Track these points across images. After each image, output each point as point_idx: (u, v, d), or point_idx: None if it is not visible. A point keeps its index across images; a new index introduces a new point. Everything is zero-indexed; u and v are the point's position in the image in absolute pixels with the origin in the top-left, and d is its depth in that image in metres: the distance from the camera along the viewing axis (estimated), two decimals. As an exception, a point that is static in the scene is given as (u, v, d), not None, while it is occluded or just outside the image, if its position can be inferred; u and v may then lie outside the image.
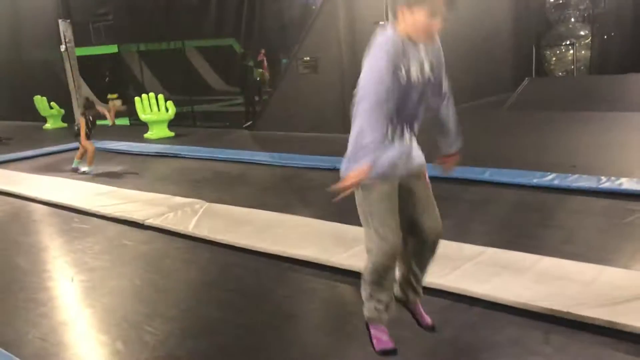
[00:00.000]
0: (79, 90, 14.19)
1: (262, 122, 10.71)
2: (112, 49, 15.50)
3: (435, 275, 3.20)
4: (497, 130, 8.83)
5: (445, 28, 2.24)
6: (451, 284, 3.28)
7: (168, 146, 9.48)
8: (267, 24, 15.95)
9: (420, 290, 2.70)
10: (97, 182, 6.99)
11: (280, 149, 8.20)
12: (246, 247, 4.24)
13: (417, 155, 2.49)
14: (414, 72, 2.27)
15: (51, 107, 13.95)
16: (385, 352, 2.56)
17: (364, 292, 2.56)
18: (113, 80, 12.74)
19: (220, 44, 18.58)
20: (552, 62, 12.94)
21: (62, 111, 13.90)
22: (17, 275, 4.14)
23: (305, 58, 9.69)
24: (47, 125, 14.10)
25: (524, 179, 5.59)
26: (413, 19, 2.21)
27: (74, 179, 7.30)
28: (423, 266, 2.62)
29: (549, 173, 5.64)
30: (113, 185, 6.66)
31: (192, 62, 17.47)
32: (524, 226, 4.43)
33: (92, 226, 5.24)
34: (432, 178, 2.57)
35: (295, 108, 10.01)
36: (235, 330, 3.08)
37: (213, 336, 3.03)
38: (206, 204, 5.44)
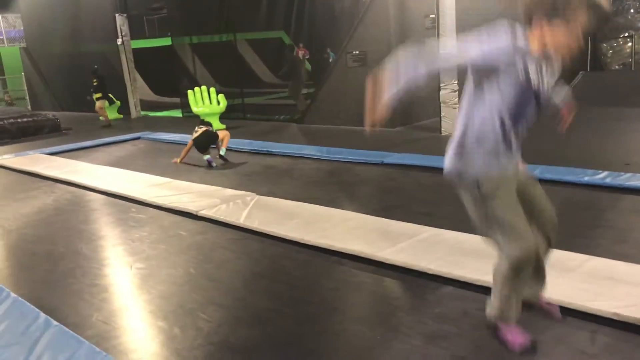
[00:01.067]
0: (134, 83, 14.69)
1: (310, 115, 10.82)
2: (166, 41, 15.91)
3: (481, 272, 3.24)
4: (549, 126, 8.66)
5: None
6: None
7: (219, 138, 9.68)
8: (317, 17, 16.01)
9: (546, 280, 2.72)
10: (152, 173, 7.26)
11: (327, 143, 8.29)
12: (294, 240, 4.36)
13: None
14: (533, 74, 2.07)
15: (108, 99, 14.44)
16: (526, 349, 2.60)
17: (501, 293, 2.51)
18: (100, 83, 13.32)
19: (270, 37, 18.79)
20: (609, 55, 12.53)
21: (119, 103, 14.39)
22: (80, 261, 4.39)
23: (354, 52, 9.74)
24: (104, 116, 14.62)
25: (574, 176, 5.51)
26: (551, 34, 2.02)
27: (130, 169, 7.59)
28: (547, 254, 2.66)
29: (600, 171, 5.54)
30: (167, 177, 6.91)
31: (243, 55, 17.72)
32: (574, 225, 4.38)
33: (149, 216, 5.47)
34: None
35: (344, 102, 10.08)
36: (284, 320, 3.20)
37: (263, 325, 3.17)
38: (256, 197, 5.60)
